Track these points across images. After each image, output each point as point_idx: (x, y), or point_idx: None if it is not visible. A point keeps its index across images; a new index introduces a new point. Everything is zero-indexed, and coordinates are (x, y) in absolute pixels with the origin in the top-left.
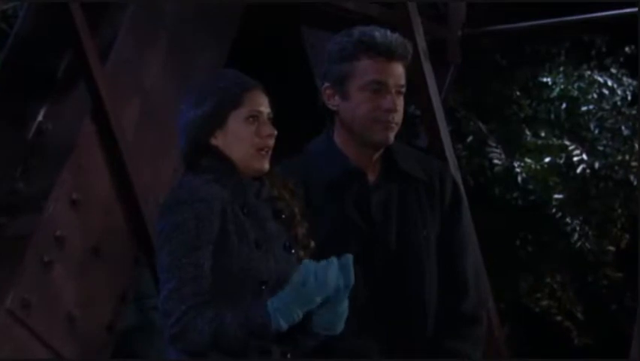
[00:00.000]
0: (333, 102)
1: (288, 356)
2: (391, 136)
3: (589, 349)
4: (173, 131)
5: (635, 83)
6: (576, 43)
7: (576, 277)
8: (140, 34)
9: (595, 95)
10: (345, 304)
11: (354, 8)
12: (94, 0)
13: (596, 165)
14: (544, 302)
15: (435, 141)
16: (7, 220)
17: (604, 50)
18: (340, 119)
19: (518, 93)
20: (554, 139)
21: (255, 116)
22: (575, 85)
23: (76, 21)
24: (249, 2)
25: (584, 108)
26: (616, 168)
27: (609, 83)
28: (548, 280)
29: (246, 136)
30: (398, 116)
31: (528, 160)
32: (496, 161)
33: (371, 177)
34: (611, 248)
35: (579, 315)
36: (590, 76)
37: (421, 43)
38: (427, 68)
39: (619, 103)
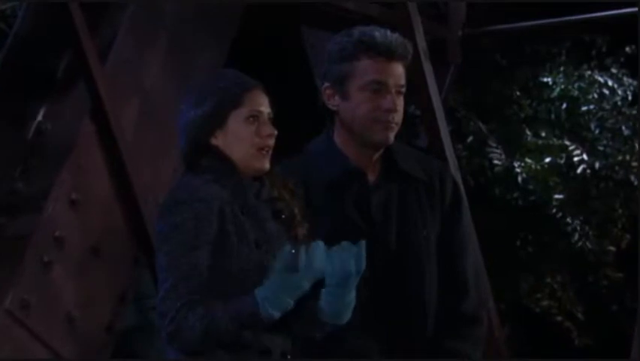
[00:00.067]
0: (333, 102)
1: (288, 356)
2: (391, 136)
3: (589, 349)
4: (173, 131)
5: (635, 83)
6: (576, 43)
7: (576, 277)
8: (139, 34)
9: (595, 95)
10: (353, 293)
11: (354, 8)
12: (93, 0)
13: (597, 165)
14: (545, 302)
15: (435, 141)
16: (7, 220)
17: (604, 49)
18: (340, 119)
19: (518, 93)
20: (555, 139)
21: (255, 116)
22: (576, 85)
23: (75, 21)
24: (249, 2)
25: (584, 108)
26: (616, 168)
27: (610, 83)
28: (549, 280)
29: (246, 136)
30: (398, 116)
31: (528, 160)
32: (496, 161)
33: (371, 177)
34: (612, 248)
35: (579, 315)
36: (590, 76)
37: (421, 43)
38: (427, 68)
39: (619, 103)
